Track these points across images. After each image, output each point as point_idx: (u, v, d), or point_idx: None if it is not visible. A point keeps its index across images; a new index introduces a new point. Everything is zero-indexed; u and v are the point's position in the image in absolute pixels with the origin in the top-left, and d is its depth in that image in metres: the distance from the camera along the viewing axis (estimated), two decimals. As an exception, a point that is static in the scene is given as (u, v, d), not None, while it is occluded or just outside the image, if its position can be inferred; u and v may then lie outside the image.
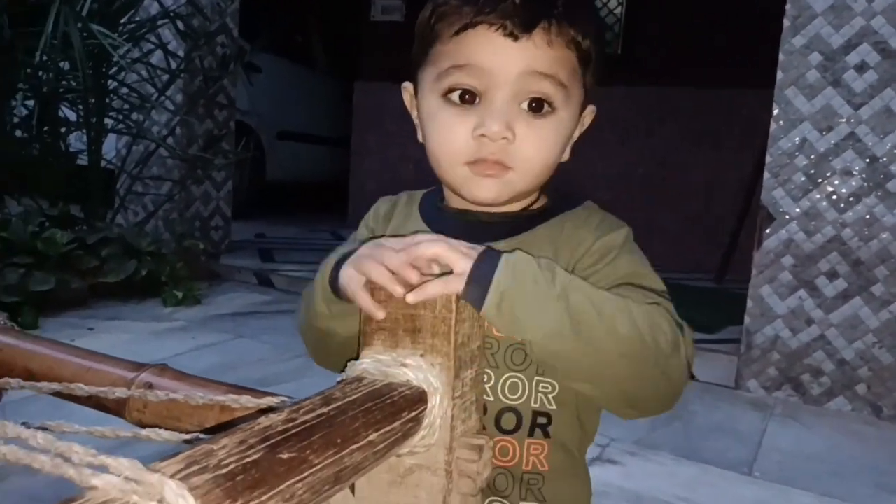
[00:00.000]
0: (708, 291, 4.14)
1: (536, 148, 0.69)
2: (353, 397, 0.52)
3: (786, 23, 2.47)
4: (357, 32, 6.16)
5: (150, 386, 0.74)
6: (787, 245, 2.48)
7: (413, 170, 5.57)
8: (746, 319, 2.55)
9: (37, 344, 0.80)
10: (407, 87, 0.78)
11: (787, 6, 2.47)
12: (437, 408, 0.57)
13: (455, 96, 0.69)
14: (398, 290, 0.56)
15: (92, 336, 2.71)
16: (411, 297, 0.55)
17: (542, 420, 0.70)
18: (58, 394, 0.72)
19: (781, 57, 2.49)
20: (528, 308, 0.58)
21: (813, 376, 2.45)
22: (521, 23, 0.65)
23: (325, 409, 0.49)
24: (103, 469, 0.35)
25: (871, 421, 2.35)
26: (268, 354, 2.60)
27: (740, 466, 1.91)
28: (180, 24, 3.64)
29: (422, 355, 0.58)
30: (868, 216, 2.38)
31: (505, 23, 0.65)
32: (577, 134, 0.75)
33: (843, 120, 2.41)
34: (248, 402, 0.67)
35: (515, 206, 0.75)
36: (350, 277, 0.61)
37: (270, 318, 3.15)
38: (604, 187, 4.98)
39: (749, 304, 2.55)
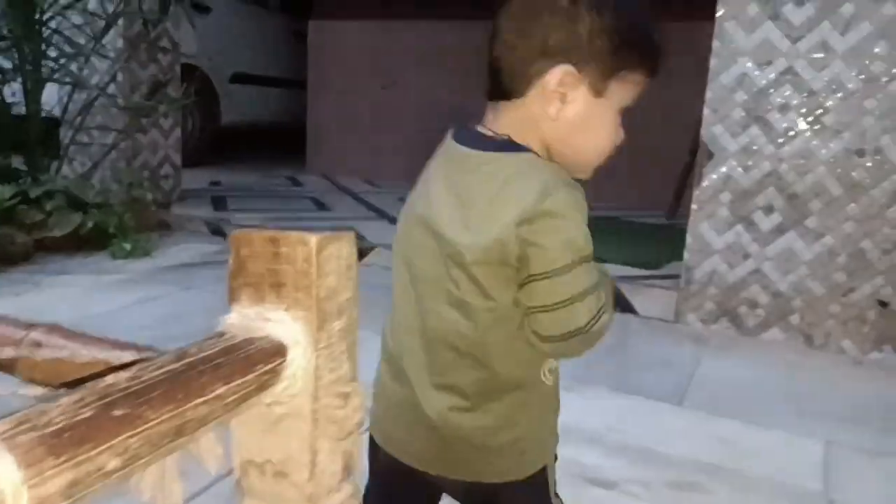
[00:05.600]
0: (659, 228, 4.21)
1: None
2: (207, 353, 0.53)
3: (725, -44, 2.45)
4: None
5: (38, 345, 0.74)
6: (725, 181, 2.52)
7: (370, 109, 5.49)
8: (686, 255, 2.61)
9: (-71, 306, 0.80)
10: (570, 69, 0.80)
11: (726, -61, 2.45)
12: (300, 359, 0.59)
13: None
14: None
15: (38, 291, 2.68)
16: None
17: None
18: (-53, 355, 0.72)
19: (721, -9, 2.48)
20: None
21: (749, 308, 2.53)
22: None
23: (174, 366, 0.50)
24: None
25: (803, 350, 2.45)
26: (217, 304, 2.58)
27: (672, 398, 1.99)
28: (115, -35, 3.50)
29: (286, 309, 0.59)
30: (804, 150, 2.43)
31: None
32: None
33: (783, 54, 2.43)
34: (133, 357, 0.68)
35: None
36: None
37: (221, 267, 3.13)
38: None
39: (689, 239, 2.60)
